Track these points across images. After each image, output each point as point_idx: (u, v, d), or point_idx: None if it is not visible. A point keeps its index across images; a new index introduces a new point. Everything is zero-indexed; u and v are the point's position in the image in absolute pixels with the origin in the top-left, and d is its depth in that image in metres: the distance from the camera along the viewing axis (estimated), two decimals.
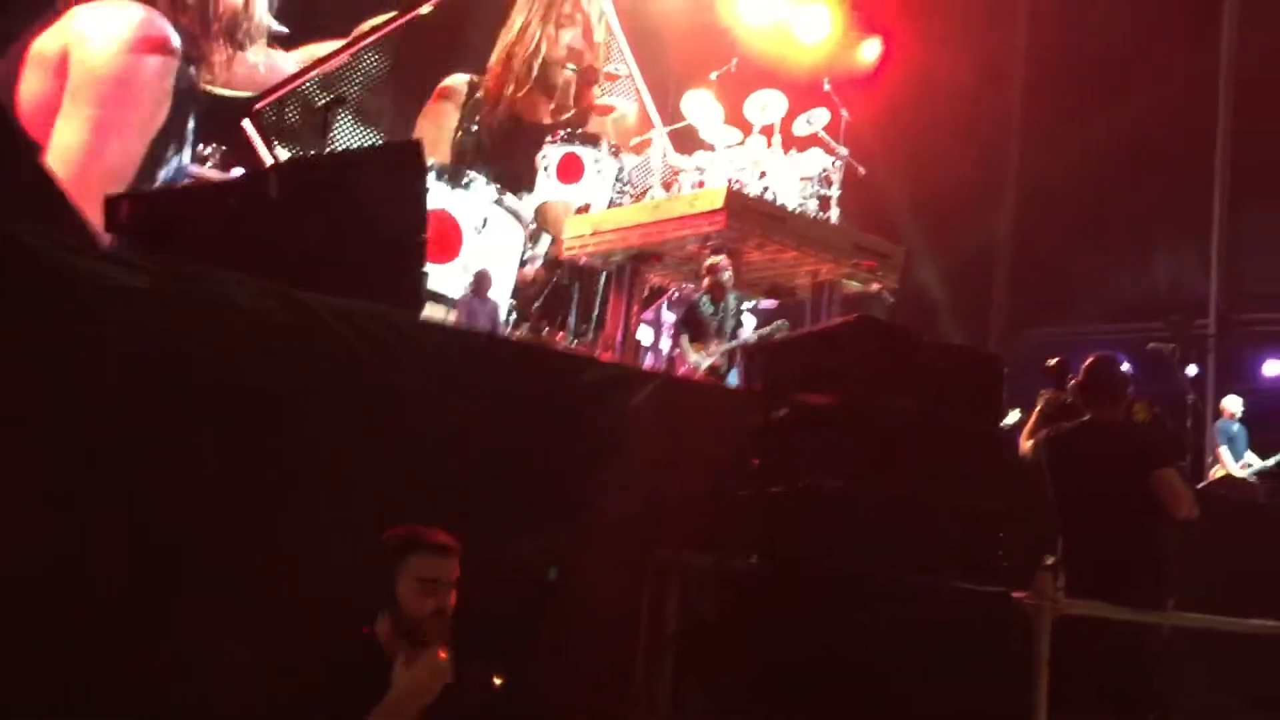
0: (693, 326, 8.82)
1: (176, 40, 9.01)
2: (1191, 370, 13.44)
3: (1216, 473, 10.59)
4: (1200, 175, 15.01)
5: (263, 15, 9.83)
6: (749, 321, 9.08)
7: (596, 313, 10.44)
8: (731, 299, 8.97)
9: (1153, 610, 4.71)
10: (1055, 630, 4.32)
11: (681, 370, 8.62)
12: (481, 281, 10.16)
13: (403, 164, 5.75)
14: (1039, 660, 4.28)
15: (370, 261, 5.02)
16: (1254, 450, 10.78)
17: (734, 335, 8.80)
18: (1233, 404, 11.04)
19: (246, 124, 9.31)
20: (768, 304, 10.67)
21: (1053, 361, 5.62)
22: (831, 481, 4.09)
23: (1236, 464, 10.54)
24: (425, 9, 9.32)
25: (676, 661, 4.40)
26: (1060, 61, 15.93)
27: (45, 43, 8.70)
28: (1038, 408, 5.50)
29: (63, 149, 8.39)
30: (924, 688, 4.07)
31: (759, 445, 4.54)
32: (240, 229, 4.84)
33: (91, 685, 3.45)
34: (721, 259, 8.97)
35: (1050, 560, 4.80)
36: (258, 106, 9.33)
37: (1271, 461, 10.48)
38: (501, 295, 10.16)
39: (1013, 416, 8.20)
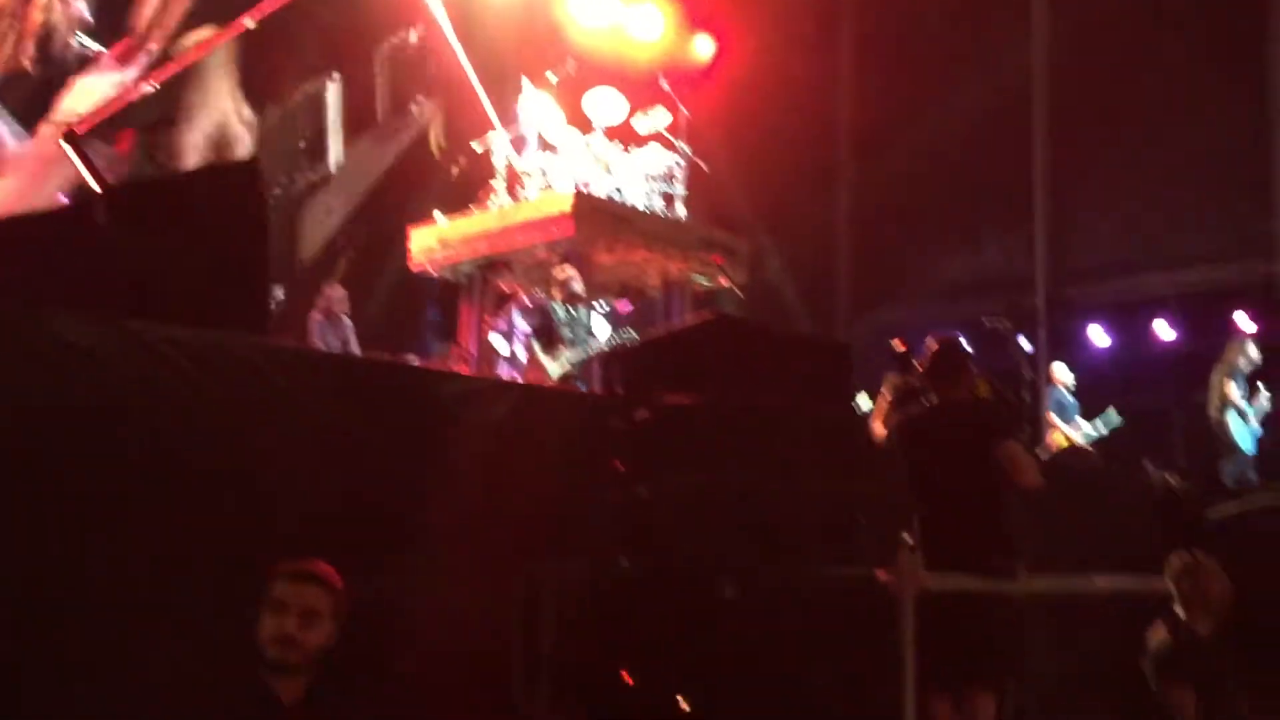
0: (546, 334, 8.79)
1: None
2: (1026, 344, 14.10)
3: (1055, 439, 11.12)
4: (1021, 158, 15.74)
5: (66, 32, 9.34)
6: (600, 328, 9.13)
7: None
8: (583, 311, 9.01)
9: (1006, 580, 4.91)
10: (918, 605, 4.47)
11: (533, 378, 8.59)
12: (330, 301, 9.93)
13: (240, 182, 5.57)
14: (904, 637, 4.43)
15: (212, 286, 4.84)
16: (1083, 416, 11.37)
17: (585, 344, 8.83)
18: (1061, 372, 11.60)
19: (65, 147, 8.81)
20: (624, 305, 10.72)
21: (897, 345, 5.79)
22: (694, 480, 4.14)
23: (1069, 428, 11.09)
24: (249, 23, 8.98)
25: (553, 676, 4.38)
26: (886, 51, 16.47)
27: None
28: (885, 392, 5.65)
29: None
30: (799, 673, 4.17)
31: (622, 448, 4.56)
32: (69, 260, 4.60)
33: None
34: (572, 270, 8.99)
35: (908, 538, 4.96)
36: (80, 129, 8.86)
37: (1103, 423, 11.06)
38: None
39: (862, 400, 8.47)
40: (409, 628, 4.24)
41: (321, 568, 3.22)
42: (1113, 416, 11.08)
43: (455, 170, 10.59)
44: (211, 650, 3.42)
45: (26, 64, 9.19)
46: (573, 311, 8.89)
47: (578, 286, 8.90)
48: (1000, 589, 4.89)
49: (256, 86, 10.85)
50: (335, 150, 11.61)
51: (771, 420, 4.33)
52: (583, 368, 8.74)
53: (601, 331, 9.69)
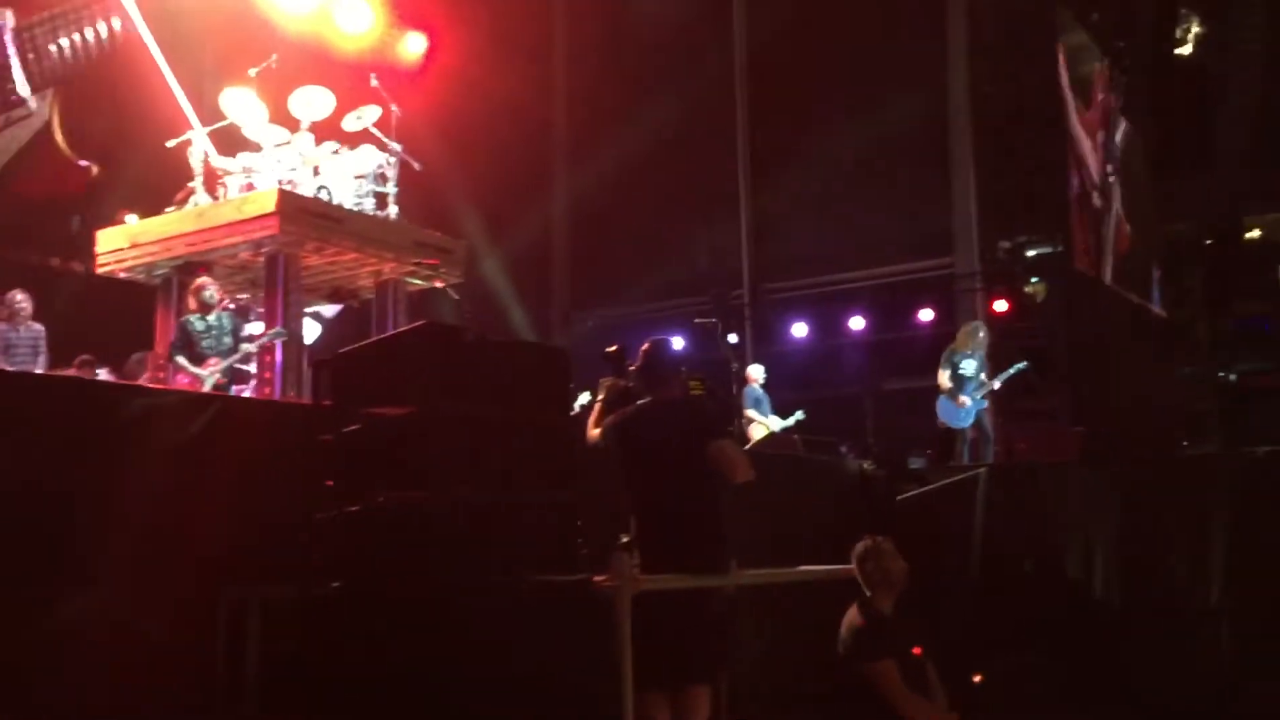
0: (188, 347, 8.46)
1: None
2: (733, 338, 14.77)
3: (754, 432, 11.66)
4: (727, 160, 16.44)
5: None
6: (311, 331, 8.91)
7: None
8: (224, 316, 8.74)
9: (718, 574, 5.07)
10: (635, 605, 4.55)
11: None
12: (12, 307, 9.09)
13: None
14: (622, 637, 4.49)
15: None
16: (779, 410, 12.02)
17: (232, 351, 8.54)
18: (756, 371, 12.23)
19: None
20: (330, 310, 10.39)
21: (611, 349, 5.87)
22: (408, 494, 4.04)
23: (765, 422, 11.68)
24: None
25: (260, 704, 4.17)
26: (597, 54, 16.81)
27: None
28: (600, 395, 5.73)
29: None
30: (524, 683, 4.15)
31: (333, 464, 4.39)
32: None
33: None
34: (205, 279, 8.74)
35: (624, 540, 5.04)
36: None
37: (791, 420, 11.74)
38: None
39: (582, 399, 8.58)
40: (95, 662, 3.92)
41: None
42: (799, 415, 11.78)
43: (94, 171, 9.90)
44: None
45: None
46: (209, 320, 8.61)
47: (209, 294, 8.65)
48: (712, 584, 5.06)
49: None
50: None
51: (485, 430, 4.29)
52: (230, 377, 8.55)
53: (311, 332, 9.42)
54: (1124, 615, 7.99)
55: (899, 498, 8.48)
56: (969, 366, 11.20)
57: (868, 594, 5.43)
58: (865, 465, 9.31)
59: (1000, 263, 14.46)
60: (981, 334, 11.46)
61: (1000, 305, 13.86)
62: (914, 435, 12.23)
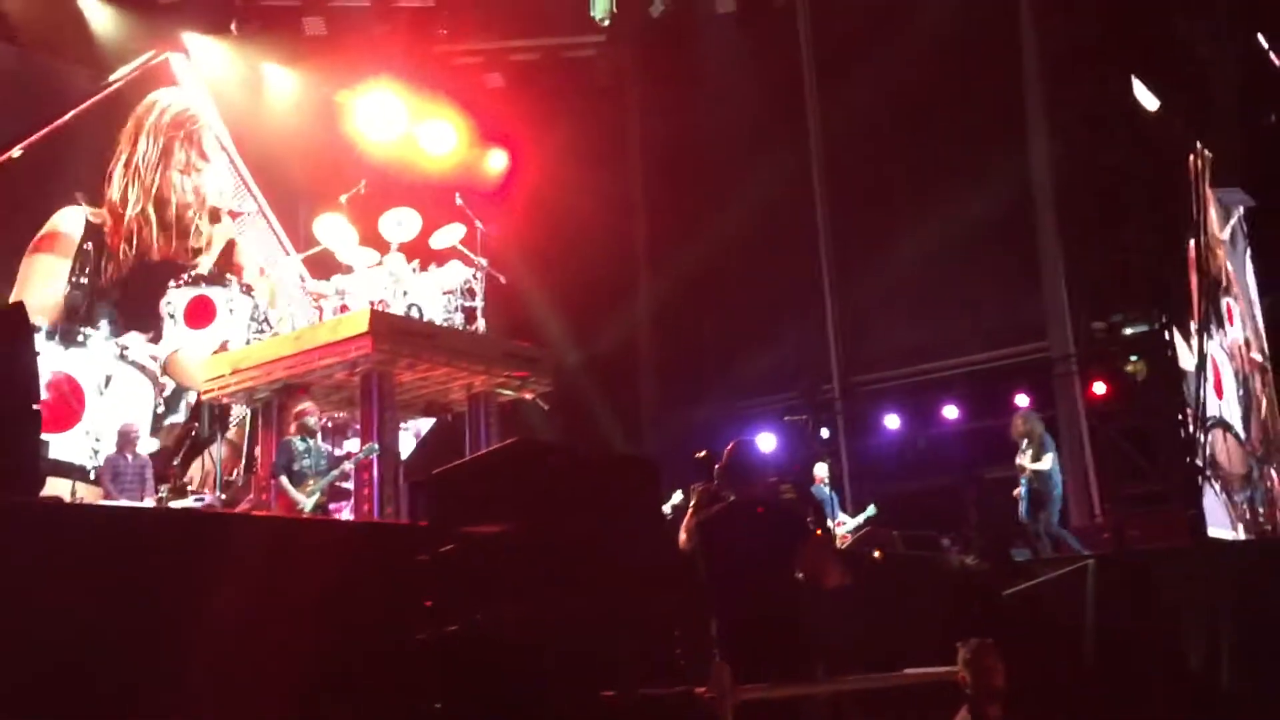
0: (289, 470, 8.75)
1: None
2: (825, 433, 14.62)
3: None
4: (809, 255, 16.45)
5: None
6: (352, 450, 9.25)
7: (245, 456, 9.94)
8: (320, 440, 9.09)
9: (801, 680, 4.90)
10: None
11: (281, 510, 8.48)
12: (126, 437, 9.56)
13: (5, 330, 5.26)
14: None
15: None
16: (867, 502, 11.84)
17: (329, 470, 8.81)
18: (821, 470, 12.05)
19: None
20: (424, 424, 10.59)
21: (701, 454, 5.86)
22: (505, 612, 4.06)
23: (830, 523, 11.45)
24: (15, 152, 8.59)
25: None
26: (674, 160, 17.09)
27: None
28: (692, 500, 5.71)
29: None
30: None
31: (431, 584, 4.44)
32: None
33: None
34: (308, 405, 9.05)
35: (717, 650, 4.94)
36: None
37: (861, 518, 11.52)
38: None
39: (675, 499, 8.56)
40: None
41: None
42: (870, 510, 11.58)
43: None
44: None
45: None
46: (310, 442, 8.92)
47: (312, 421, 8.99)
48: (812, 691, 4.94)
49: None
50: None
51: (579, 544, 4.31)
52: (329, 496, 8.80)
53: (406, 446, 9.61)
54: (1253, 710, 7.58)
55: (1005, 593, 8.23)
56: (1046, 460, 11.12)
57: (973, 700, 5.23)
58: (968, 560, 9.08)
59: (1096, 343, 14.14)
60: (1026, 426, 11.35)
61: (1099, 388, 13.51)
62: (1018, 525, 11.91)
